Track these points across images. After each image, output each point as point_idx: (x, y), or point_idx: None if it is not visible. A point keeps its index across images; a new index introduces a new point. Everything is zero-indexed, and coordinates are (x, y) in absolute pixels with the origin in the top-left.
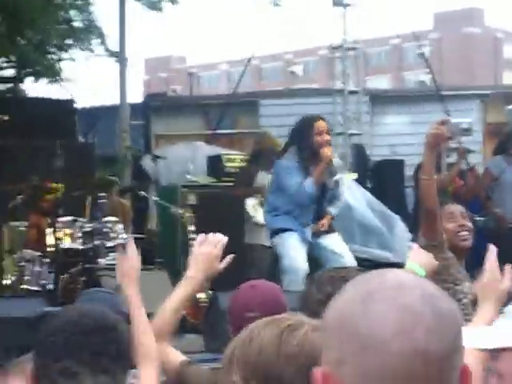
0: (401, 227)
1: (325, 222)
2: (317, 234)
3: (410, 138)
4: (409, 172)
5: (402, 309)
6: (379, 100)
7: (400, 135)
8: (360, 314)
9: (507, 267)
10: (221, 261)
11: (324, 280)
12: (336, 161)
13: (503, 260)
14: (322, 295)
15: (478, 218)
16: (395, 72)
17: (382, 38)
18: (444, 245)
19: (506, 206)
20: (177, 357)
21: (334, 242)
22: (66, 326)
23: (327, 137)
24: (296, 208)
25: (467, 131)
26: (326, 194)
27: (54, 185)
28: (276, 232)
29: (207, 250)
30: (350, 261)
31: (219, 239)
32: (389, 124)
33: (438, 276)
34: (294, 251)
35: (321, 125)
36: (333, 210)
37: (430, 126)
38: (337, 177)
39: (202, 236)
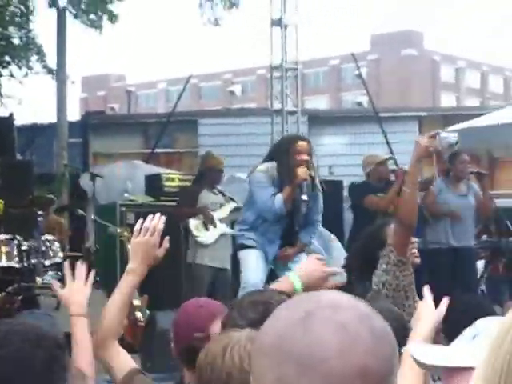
0: (338, 247)
1: (291, 252)
2: (282, 260)
3: (348, 158)
4: (346, 193)
5: (340, 329)
6: (317, 120)
7: (338, 156)
8: (299, 334)
9: (444, 299)
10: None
11: (245, 305)
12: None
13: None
14: (244, 321)
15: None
16: (333, 93)
17: (321, 58)
18: (409, 261)
19: (437, 227)
20: (126, 361)
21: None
22: None
23: (305, 157)
24: (263, 223)
25: (452, 146)
26: (297, 217)
27: None
28: (240, 247)
29: (144, 239)
30: None
31: (155, 226)
32: (327, 144)
33: (404, 292)
34: (250, 269)
35: (301, 144)
36: (306, 238)
37: (422, 138)
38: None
39: (138, 224)
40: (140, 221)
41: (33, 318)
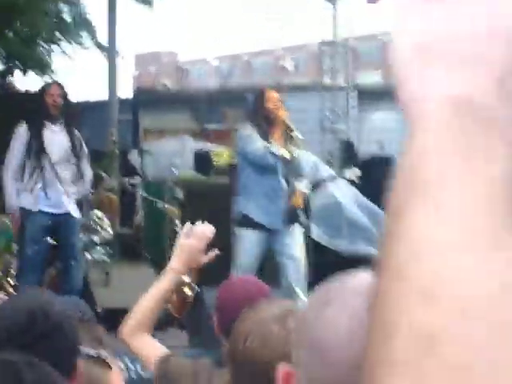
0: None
1: (299, 200)
2: (288, 221)
3: (399, 133)
4: None
5: (351, 316)
6: (368, 96)
7: (388, 131)
8: (310, 319)
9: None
10: (206, 254)
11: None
12: (297, 135)
13: None
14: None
15: None
16: (386, 68)
17: (373, 33)
18: None
19: None
20: (157, 349)
21: (293, 244)
22: None
23: (279, 103)
24: (260, 180)
25: None
26: (292, 167)
27: None
28: (241, 221)
29: (192, 242)
30: (302, 260)
31: (204, 232)
32: (377, 120)
33: None
34: (245, 252)
35: (271, 94)
36: (302, 187)
37: None
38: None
39: (188, 226)
40: (188, 224)
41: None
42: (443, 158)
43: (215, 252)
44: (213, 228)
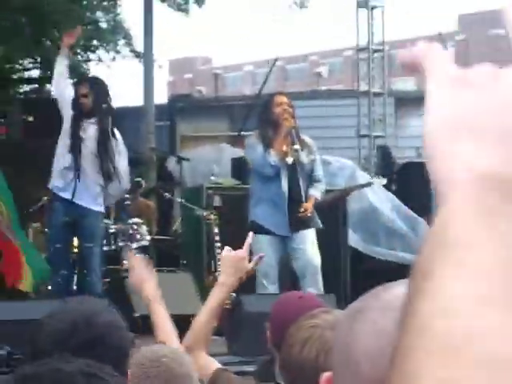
0: (426, 230)
1: (309, 205)
2: (296, 227)
3: None
4: None
5: (379, 333)
6: (404, 102)
7: None
8: (343, 331)
9: None
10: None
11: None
12: (309, 141)
13: None
14: None
15: None
16: (419, 74)
17: (407, 39)
18: None
19: None
20: (211, 364)
21: (306, 247)
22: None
23: (288, 108)
24: (267, 186)
25: None
26: (301, 173)
27: None
28: (252, 229)
29: (233, 253)
30: (317, 264)
31: (245, 241)
32: (414, 126)
33: None
34: (267, 265)
35: (280, 97)
36: (315, 192)
37: None
38: (316, 157)
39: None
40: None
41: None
42: (471, 224)
43: (260, 256)
44: (252, 234)
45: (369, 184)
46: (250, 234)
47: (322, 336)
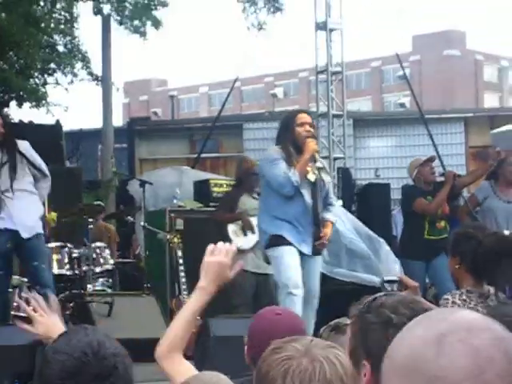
0: (386, 251)
1: (328, 231)
2: (317, 250)
3: (394, 160)
4: (396, 196)
5: (473, 352)
6: (362, 123)
7: (384, 158)
8: (432, 356)
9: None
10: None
11: (391, 304)
12: (324, 162)
13: None
14: (400, 317)
15: None
16: (375, 94)
17: (362, 60)
18: None
19: None
20: (188, 371)
21: (317, 271)
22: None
23: (310, 129)
24: (286, 207)
25: None
26: (320, 193)
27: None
28: (272, 242)
29: (217, 259)
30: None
31: (229, 248)
32: (372, 147)
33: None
34: (289, 267)
35: (303, 116)
36: (331, 216)
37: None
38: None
39: (211, 246)
40: (212, 245)
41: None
42: None
43: (240, 264)
44: (235, 245)
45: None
46: (233, 247)
47: (300, 365)
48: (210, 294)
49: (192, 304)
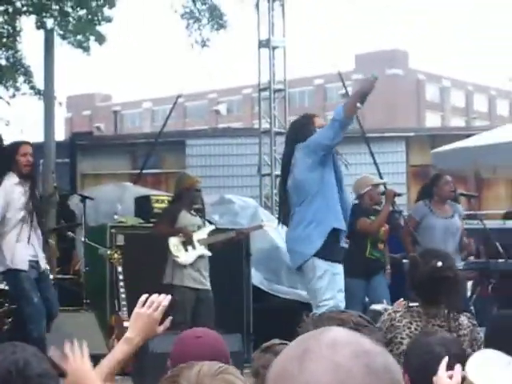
0: None
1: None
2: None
3: None
4: None
5: (334, 367)
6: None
7: None
8: (295, 372)
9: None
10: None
11: (323, 319)
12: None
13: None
14: None
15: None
16: (318, 112)
17: (305, 77)
18: None
19: None
20: None
21: None
22: None
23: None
24: (323, 194)
25: None
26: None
27: None
28: (323, 254)
29: (147, 312)
30: None
31: (160, 302)
32: None
33: None
34: (340, 293)
35: (318, 119)
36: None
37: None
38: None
39: (144, 296)
40: (145, 295)
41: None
42: None
43: (170, 319)
44: (169, 297)
45: (260, 227)
46: (168, 297)
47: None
48: (135, 346)
49: (115, 354)
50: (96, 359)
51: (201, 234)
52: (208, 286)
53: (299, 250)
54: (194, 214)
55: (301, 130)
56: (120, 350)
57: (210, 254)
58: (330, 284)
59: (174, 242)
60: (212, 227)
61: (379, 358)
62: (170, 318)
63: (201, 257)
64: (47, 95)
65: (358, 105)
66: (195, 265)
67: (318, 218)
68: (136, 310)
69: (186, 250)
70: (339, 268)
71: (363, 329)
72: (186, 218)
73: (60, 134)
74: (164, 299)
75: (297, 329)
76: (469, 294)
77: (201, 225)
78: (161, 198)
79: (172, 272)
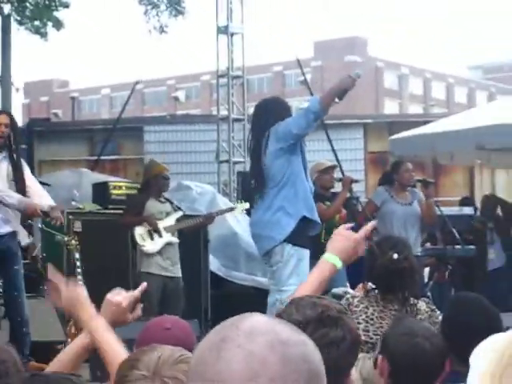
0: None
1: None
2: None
3: None
4: None
5: (248, 356)
6: None
7: None
8: (211, 360)
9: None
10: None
11: (305, 303)
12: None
13: None
14: (301, 317)
15: None
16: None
17: (264, 64)
18: None
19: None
20: None
21: None
22: None
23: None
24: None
25: None
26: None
27: None
28: (292, 239)
29: (116, 300)
30: None
31: (132, 295)
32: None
33: None
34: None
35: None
36: None
37: None
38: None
39: (117, 288)
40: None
41: None
42: None
43: (140, 309)
44: (144, 284)
45: (231, 209)
46: (144, 284)
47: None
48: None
49: (83, 338)
50: (53, 345)
51: (168, 221)
52: (177, 273)
53: (269, 235)
54: (164, 200)
55: (273, 113)
56: (86, 336)
57: (177, 240)
58: (295, 269)
59: (139, 232)
60: (180, 213)
61: (297, 348)
62: (141, 305)
63: (168, 244)
64: (4, 81)
65: (336, 99)
66: (163, 252)
67: (287, 204)
68: (107, 296)
69: (152, 239)
70: (306, 253)
71: (345, 316)
72: (154, 206)
73: (18, 121)
74: (135, 293)
75: (279, 314)
76: (426, 280)
77: (170, 211)
78: (118, 185)
79: (140, 260)
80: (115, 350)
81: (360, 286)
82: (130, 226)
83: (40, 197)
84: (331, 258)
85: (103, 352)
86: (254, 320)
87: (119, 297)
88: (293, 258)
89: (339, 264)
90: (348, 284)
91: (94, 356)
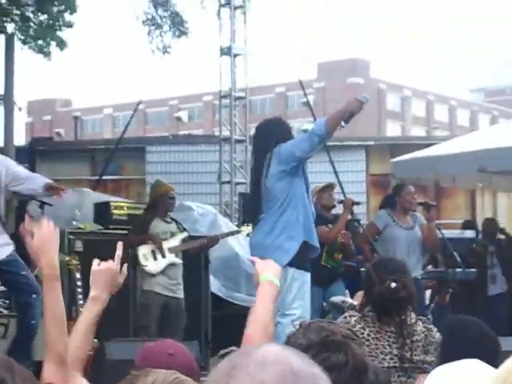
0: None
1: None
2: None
3: None
4: None
5: None
6: None
7: None
8: None
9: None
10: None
11: (312, 328)
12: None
13: None
14: (305, 341)
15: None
16: None
17: (267, 85)
18: None
19: None
20: None
21: None
22: None
23: None
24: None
25: None
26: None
27: None
28: (295, 263)
29: (105, 266)
30: None
31: (116, 254)
32: None
33: None
34: (307, 299)
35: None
36: None
37: None
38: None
39: (97, 260)
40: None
41: None
42: None
43: (125, 268)
44: (121, 243)
45: (237, 232)
46: (119, 243)
47: None
48: (103, 303)
49: (86, 315)
50: None
51: (172, 242)
52: (180, 294)
53: (272, 259)
54: (169, 220)
55: (275, 134)
56: (90, 310)
57: (181, 261)
58: (298, 293)
59: (143, 252)
60: (185, 234)
61: (307, 380)
62: (126, 264)
63: (172, 264)
64: (7, 100)
65: (342, 123)
66: (166, 273)
67: (288, 229)
68: (93, 268)
69: (155, 259)
70: (308, 277)
71: (351, 342)
72: (159, 226)
73: (20, 139)
74: (117, 250)
75: (289, 336)
76: (427, 302)
77: (175, 232)
78: (120, 205)
79: (142, 279)
80: (59, 305)
81: (359, 293)
82: (134, 244)
83: (33, 178)
84: (269, 278)
85: (45, 302)
86: (266, 350)
87: (106, 263)
88: (296, 281)
89: (277, 282)
90: (348, 291)
91: (93, 377)
